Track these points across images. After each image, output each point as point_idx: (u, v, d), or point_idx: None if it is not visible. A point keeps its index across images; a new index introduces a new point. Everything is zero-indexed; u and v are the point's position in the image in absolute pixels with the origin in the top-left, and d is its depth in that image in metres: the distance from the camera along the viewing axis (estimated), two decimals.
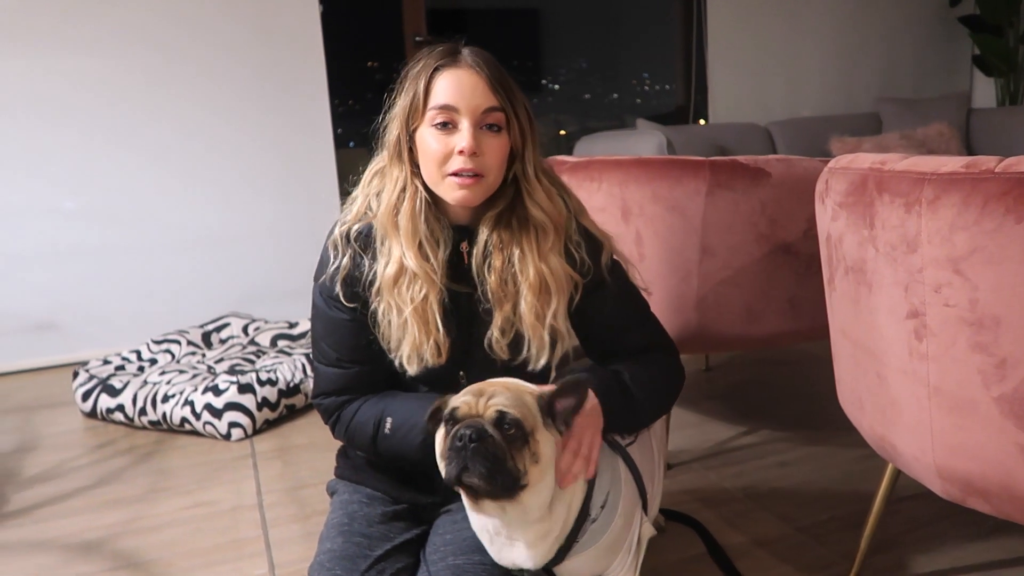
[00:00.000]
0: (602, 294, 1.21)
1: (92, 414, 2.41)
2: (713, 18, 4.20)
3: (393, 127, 1.14)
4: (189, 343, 2.78)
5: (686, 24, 4.38)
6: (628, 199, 1.79)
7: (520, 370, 1.16)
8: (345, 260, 1.17)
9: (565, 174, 1.95)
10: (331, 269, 1.18)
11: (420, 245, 1.12)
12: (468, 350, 1.19)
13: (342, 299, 1.17)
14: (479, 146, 1.08)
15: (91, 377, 2.46)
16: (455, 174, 1.08)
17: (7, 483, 2.02)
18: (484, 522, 1.05)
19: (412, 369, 1.15)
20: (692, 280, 1.77)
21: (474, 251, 1.16)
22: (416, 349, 1.14)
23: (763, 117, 4.20)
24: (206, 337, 2.86)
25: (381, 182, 1.17)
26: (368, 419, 1.21)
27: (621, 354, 1.23)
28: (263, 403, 2.28)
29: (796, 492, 1.75)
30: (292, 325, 2.91)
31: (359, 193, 1.21)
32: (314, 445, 2.15)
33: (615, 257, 1.25)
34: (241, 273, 3.26)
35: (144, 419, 2.30)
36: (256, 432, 2.27)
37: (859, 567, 1.39)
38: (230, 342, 2.83)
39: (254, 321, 2.94)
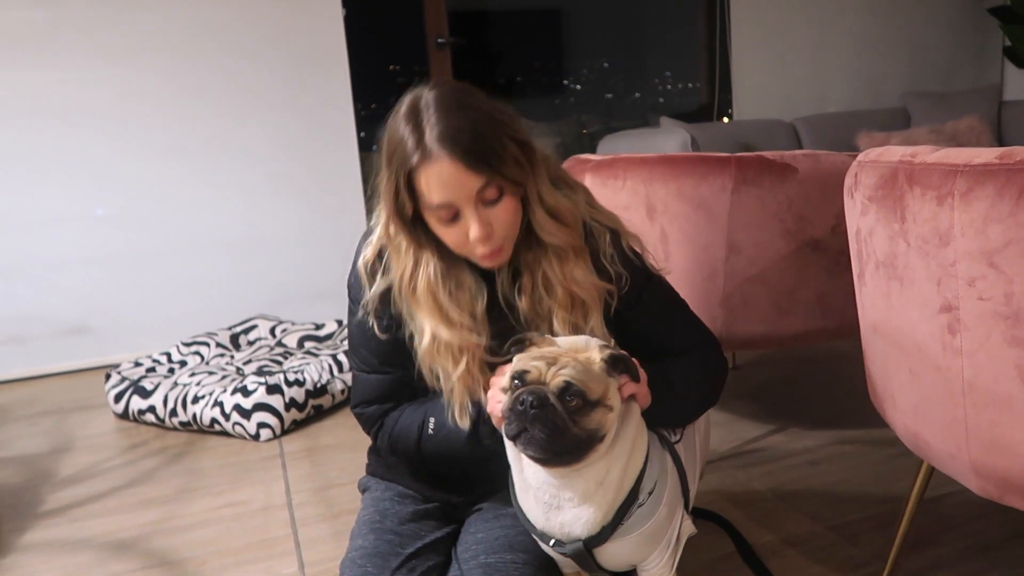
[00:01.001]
0: (641, 303, 1.20)
1: (124, 415, 2.45)
2: (737, 14, 4.16)
3: (389, 209, 1.10)
4: (218, 345, 2.81)
5: (709, 21, 4.34)
6: (653, 197, 1.78)
7: None
8: (373, 296, 1.17)
9: (589, 172, 1.94)
10: (364, 300, 1.18)
11: (447, 315, 1.12)
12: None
13: (376, 330, 1.18)
14: (488, 224, 1.05)
15: (123, 379, 2.50)
16: (478, 256, 1.09)
17: (43, 484, 2.06)
18: (541, 482, 1.05)
19: (464, 423, 1.15)
20: (718, 278, 1.76)
21: (499, 280, 1.16)
22: (463, 403, 1.15)
23: (789, 113, 4.16)
24: (234, 339, 2.89)
25: (388, 240, 1.15)
26: (411, 423, 1.21)
27: (666, 356, 1.22)
28: (291, 404, 2.31)
29: (827, 491, 1.73)
30: (319, 326, 2.93)
31: (375, 228, 1.17)
32: (341, 445, 2.17)
33: (637, 250, 1.23)
34: (268, 276, 3.29)
35: (175, 420, 2.34)
36: (284, 432, 2.29)
37: (892, 567, 1.37)
38: (258, 344, 2.86)
39: (281, 323, 2.97)
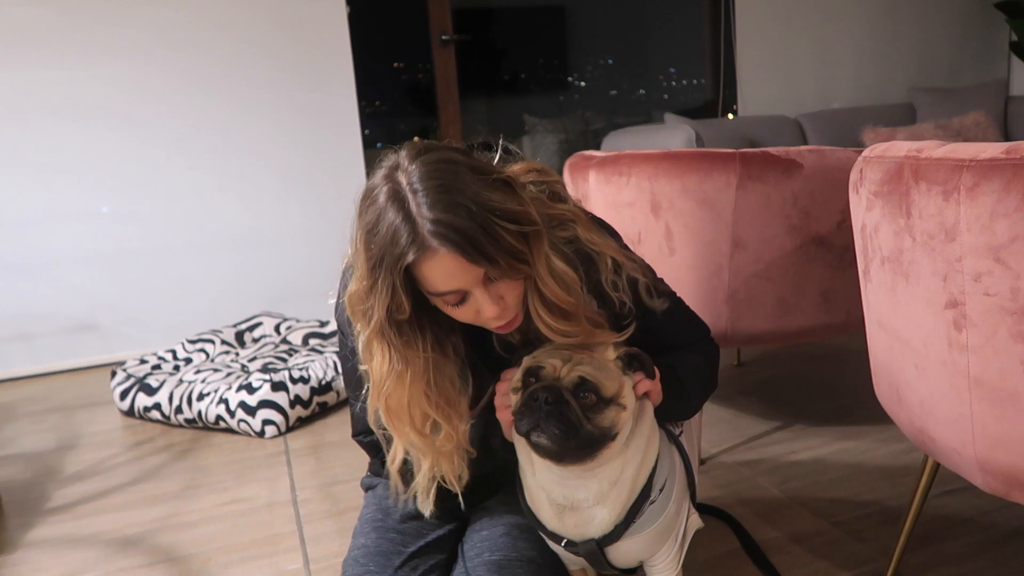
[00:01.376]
0: (646, 323, 1.15)
1: (130, 413, 2.46)
2: (741, 10, 4.15)
3: (373, 311, 0.98)
4: (223, 342, 2.82)
5: (714, 17, 4.33)
6: (657, 193, 1.78)
7: None
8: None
9: (593, 169, 1.94)
10: (351, 340, 1.12)
11: (424, 425, 1.06)
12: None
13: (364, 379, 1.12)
14: (500, 296, 0.99)
15: (128, 376, 2.51)
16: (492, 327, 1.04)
17: (49, 480, 2.06)
18: (555, 484, 1.04)
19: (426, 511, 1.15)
20: (723, 274, 1.75)
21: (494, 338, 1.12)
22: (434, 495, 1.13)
23: (794, 109, 4.15)
24: (239, 336, 2.90)
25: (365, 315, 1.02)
26: None
27: (661, 351, 1.20)
28: (296, 401, 2.31)
29: (832, 487, 1.72)
30: (323, 324, 2.93)
31: (351, 266, 1.05)
32: (346, 442, 2.17)
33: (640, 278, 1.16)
34: (272, 273, 3.30)
35: (180, 417, 2.34)
36: (289, 429, 2.30)
37: (897, 563, 1.36)
38: (263, 341, 2.87)
39: (286, 320, 2.97)
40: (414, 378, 1.03)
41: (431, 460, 1.10)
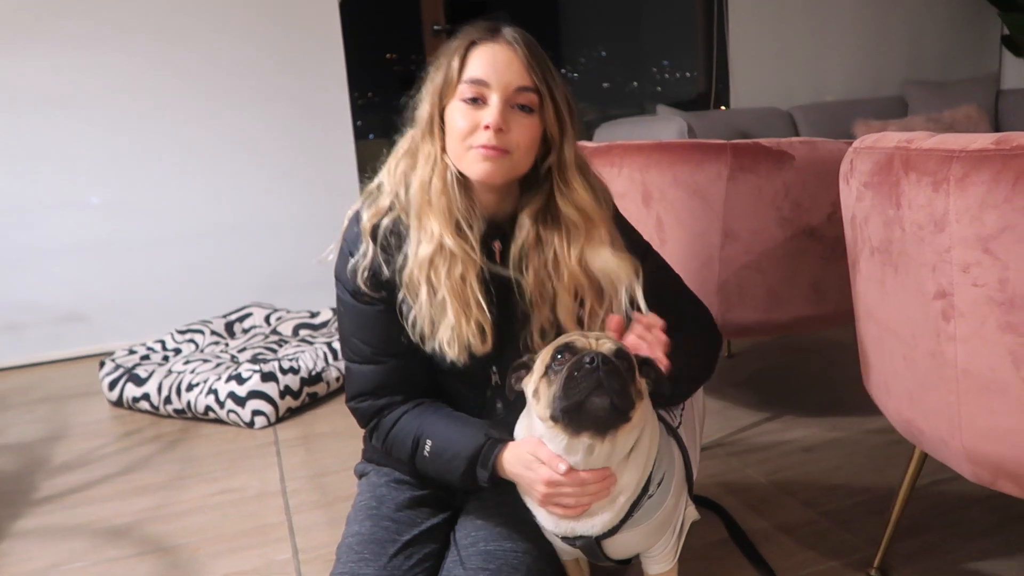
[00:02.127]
0: (645, 272, 1.16)
1: (119, 403, 2.45)
2: (735, 3, 4.14)
3: (426, 104, 1.10)
4: (212, 333, 2.81)
5: (707, 10, 4.32)
6: (649, 184, 1.78)
7: None
8: (370, 253, 1.12)
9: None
10: (354, 261, 1.14)
11: (457, 224, 1.08)
12: (502, 345, 1.13)
13: (367, 289, 1.13)
14: (507, 123, 1.04)
15: (117, 367, 2.49)
16: (479, 147, 1.05)
17: (37, 471, 2.05)
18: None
19: (453, 353, 1.09)
20: (714, 265, 1.75)
21: (511, 249, 1.12)
22: (457, 332, 1.08)
23: (786, 102, 4.15)
24: (229, 327, 2.89)
25: (411, 161, 1.13)
26: (407, 435, 1.16)
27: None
28: (286, 391, 2.30)
29: (820, 478, 1.73)
30: (313, 314, 2.92)
31: (385, 181, 1.16)
32: (336, 433, 2.17)
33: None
34: (263, 264, 3.28)
35: (169, 408, 2.33)
36: (279, 420, 2.29)
37: (884, 553, 1.37)
38: (252, 331, 2.86)
39: (276, 311, 2.96)
40: (450, 181, 1.09)
41: (456, 261, 1.08)
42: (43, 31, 2.89)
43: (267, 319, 2.92)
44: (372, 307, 1.15)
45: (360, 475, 1.39)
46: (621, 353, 0.99)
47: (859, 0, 4.32)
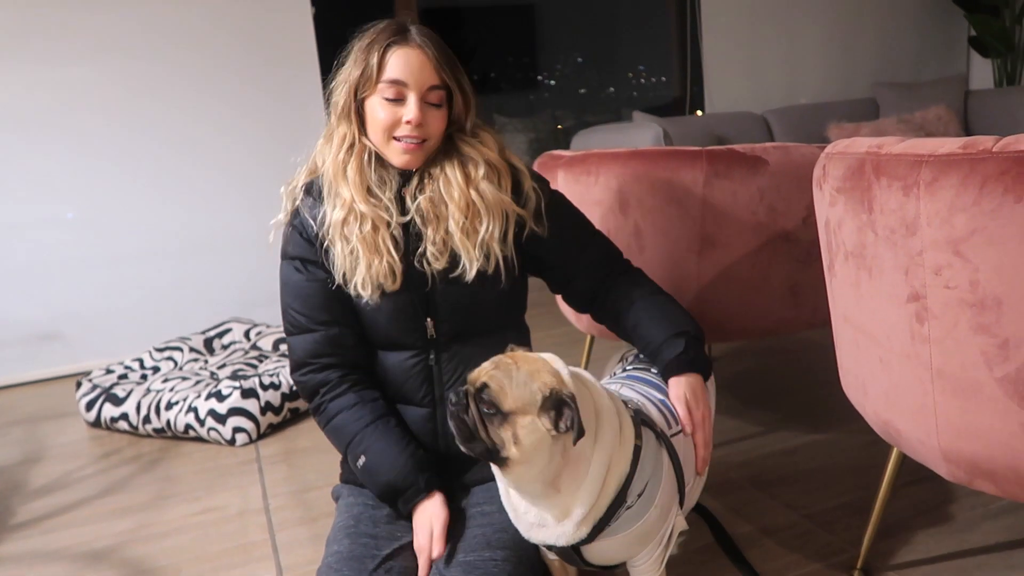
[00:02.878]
0: (551, 221, 1.32)
1: (96, 424, 2.41)
2: (707, 8, 4.19)
3: (341, 92, 1.24)
4: (191, 350, 2.78)
5: (680, 15, 4.36)
6: (626, 192, 1.79)
7: (458, 282, 1.25)
8: (291, 209, 1.31)
9: (561, 169, 1.94)
10: (283, 221, 1.32)
11: (368, 189, 1.24)
12: (422, 281, 1.26)
13: (296, 249, 1.29)
14: (424, 117, 1.20)
15: (94, 387, 2.46)
16: (400, 138, 1.21)
17: (13, 495, 2.02)
18: (526, 504, 1.07)
19: (367, 293, 1.23)
20: (692, 270, 1.77)
21: (410, 186, 1.27)
22: (369, 273, 1.23)
23: (760, 106, 4.19)
24: (208, 343, 2.86)
25: (327, 142, 1.29)
26: (345, 436, 1.28)
27: (581, 275, 1.37)
28: (267, 407, 2.28)
29: (802, 480, 1.75)
30: None
31: (314, 154, 1.33)
32: (319, 448, 2.15)
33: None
34: (240, 279, 3.25)
35: (148, 427, 2.30)
36: (260, 437, 2.27)
37: (867, 553, 1.38)
38: (232, 347, 2.83)
39: (255, 326, 2.94)
40: (360, 157, 1.25)
41: (368, 222, 1.22)
42: (13, 47, 2.85)
43: (247, 334, 2.90)
44: (304, 275, 1.29)
45: (336, 497, 1.40)
46: (481, 396, 0.98)
47: (829, 4, 4.39)
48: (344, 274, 1.25)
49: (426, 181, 1.27)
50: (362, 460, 1.25)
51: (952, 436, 1.05)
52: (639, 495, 1.07)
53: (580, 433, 0.97)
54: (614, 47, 5.13)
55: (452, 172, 1.25)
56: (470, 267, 1.24)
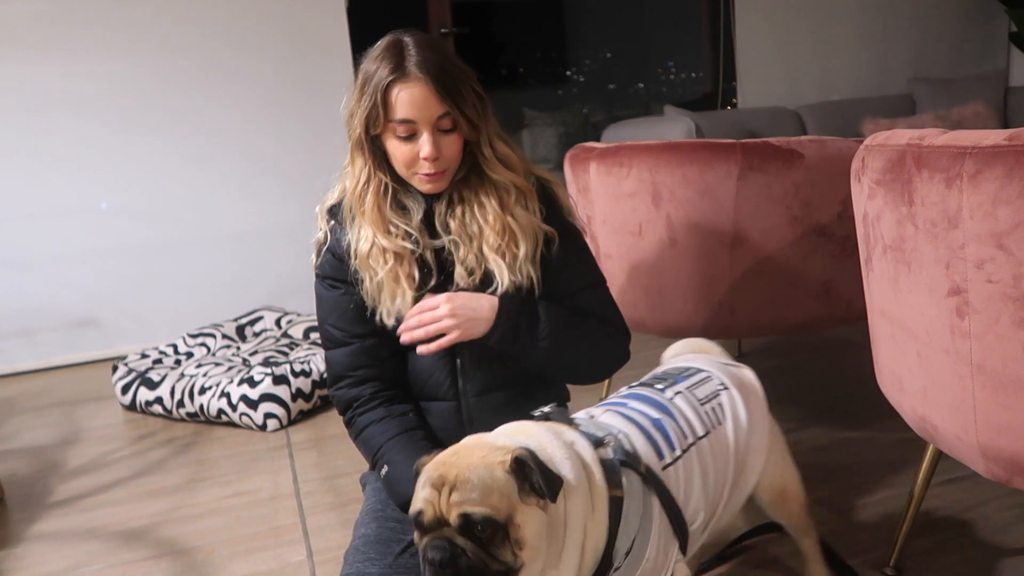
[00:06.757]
0: (560, 251, 1.30)
1: (132, 407, 2.46)
2: (741, 3, 4.14)
3: (356, 126, 1.23)
4: (224, 336, 2.82)
5: (712, 10, 4.32)
6: (658, 184, 1.78)
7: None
8: (326, 228, 1.32)
9: (594, 160, 1.94)
10: (319, 240, 1.33)
11: (388, 222, 1.25)
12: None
13: (330, 269, 1.31)
14: (438, 149, 1.20)
15: (130, 371, 2.51)
16: (423, 175, 1.22)
17: (52, 474, 2.07)
18: None
19: (391, 323, 1.27)
20: (724, 264, 1.75)
21: (437, 209, 1.28)
22: (392, 305, 1.26)
23: (793, 101, 4.14)
24: (240, 330, 2.90)
25: (351, 167, 1.29)
26: (372, 447, 1.30)
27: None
28: (297, 394, 2.31)
29: (834, 477, 1.73)
30: None
31: (343, 174, 1.33)
32: (347, 436, 2.16)
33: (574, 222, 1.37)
34: (273, 268, 3.30)
35: (182, 411, 2.35)
36: (291, 423, 2.30)
37: (900, 551, 1.37)
38: (264, 335, 2.87)
39: (287, 314, 2.97)
40: (380, 188, 1.26)
41: (390, 255, 1.24)
42: (56, 38, 2.92)
43: (278, 322, 2.93)
44: (338, 291, 1.31)
45: (364, 484, 1.42)
46: (473, 525, 0.84)
47: None
48: (373, 302, 1.28)
49: (455, 203, 1.28)
50: (385, 470, 1.27)
51: (992, 433, 1.03)
52: (626, 554, 0.95)
53: (556, 483, 0.87)
54: (643, 43, 5.09)
55: (486, 199, 1.26)
56: (503, 286, 1.25)
